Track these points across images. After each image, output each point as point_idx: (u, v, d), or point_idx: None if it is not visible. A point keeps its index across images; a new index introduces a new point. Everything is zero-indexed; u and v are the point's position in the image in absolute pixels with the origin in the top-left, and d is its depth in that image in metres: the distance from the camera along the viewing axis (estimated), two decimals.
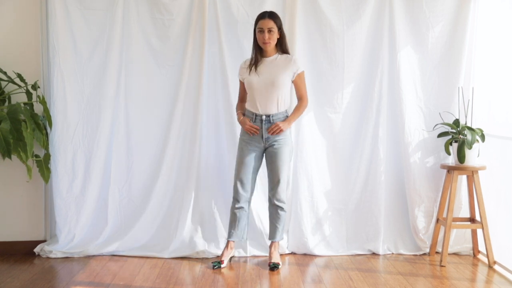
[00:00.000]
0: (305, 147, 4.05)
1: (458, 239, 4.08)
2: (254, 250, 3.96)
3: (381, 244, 4.03)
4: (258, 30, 3.61)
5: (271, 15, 3.60)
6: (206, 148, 4.07)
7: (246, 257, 3.93)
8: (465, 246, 4.07)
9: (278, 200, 3.68)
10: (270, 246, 3.76)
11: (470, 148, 3.77)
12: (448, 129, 3.99)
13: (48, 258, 3.86)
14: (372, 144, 4.06)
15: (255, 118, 3.67)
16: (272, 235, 3.75)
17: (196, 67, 3.98)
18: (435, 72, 4.07)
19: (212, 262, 3.72)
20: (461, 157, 3.81)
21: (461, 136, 3.85)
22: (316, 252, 3.98)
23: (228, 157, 4.03)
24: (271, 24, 3.57)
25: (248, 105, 3.73)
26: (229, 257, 3.76)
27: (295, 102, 3.81)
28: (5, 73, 3.84)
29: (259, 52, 3.67)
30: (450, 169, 3.88)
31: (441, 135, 4.01)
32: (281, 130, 3.62)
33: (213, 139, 4.08)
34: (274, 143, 3.66)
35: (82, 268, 3.63)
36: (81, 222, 3.96)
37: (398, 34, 4.00)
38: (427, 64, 4.06)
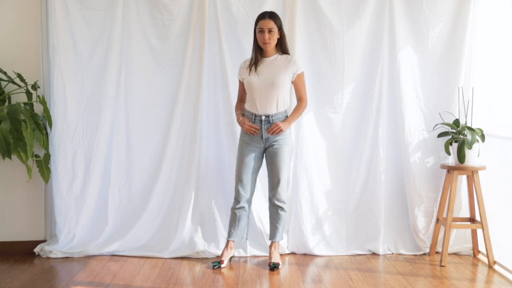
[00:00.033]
0: (305, 147, 4.05)
1: (458, 239, 4.08)
2: (254, 250, 3.96)
3: (381, 244, 4.03)
4: (258, 30, 3.61)
5: (271, 15, 3.60)
6: (206, 148, 4.07)
7: (246, 257, 3.93)
8: (465, 246, 4.07)
9: (278, 200, 3.68)
10: (270, 246, 3.76)
11: (470, 148, 3.77)
12: (448, 129, 3.99)
13: (48, 258, 3.86)
14: (372, 144, 4.05)
15: (255, 119, 3.66)
16: (272, 235, 3.75)
17: (196, 67, 3.98)
18: (435, 72, 4.06)
19: (212, 262, 3.72)
20: (461, 157, 3.81)
21: (461, 136, 3.85)
22: (316, 252, 3.98)
23: (228, 157, 4.03)
24: (271, 24, 3.57)
25: (247, 106, 3.73)
26: (229, 257, 3.76)
27: (294, 102, 3.81)
28: (5, 73, 3.84)
29: (259, 52, 3.66)
30: (450, 169, 3.88)
31: (441, 135, 4.01)
32: (281, 130, 3.62)
33: (213, 139, 4.08)
34: (274, 143, 3.66)
35: (82, 268, 3.63)
36: (81, 222, 3.96)
37: (398, 34, 4.00)
38: (427, 64, 4.06)
